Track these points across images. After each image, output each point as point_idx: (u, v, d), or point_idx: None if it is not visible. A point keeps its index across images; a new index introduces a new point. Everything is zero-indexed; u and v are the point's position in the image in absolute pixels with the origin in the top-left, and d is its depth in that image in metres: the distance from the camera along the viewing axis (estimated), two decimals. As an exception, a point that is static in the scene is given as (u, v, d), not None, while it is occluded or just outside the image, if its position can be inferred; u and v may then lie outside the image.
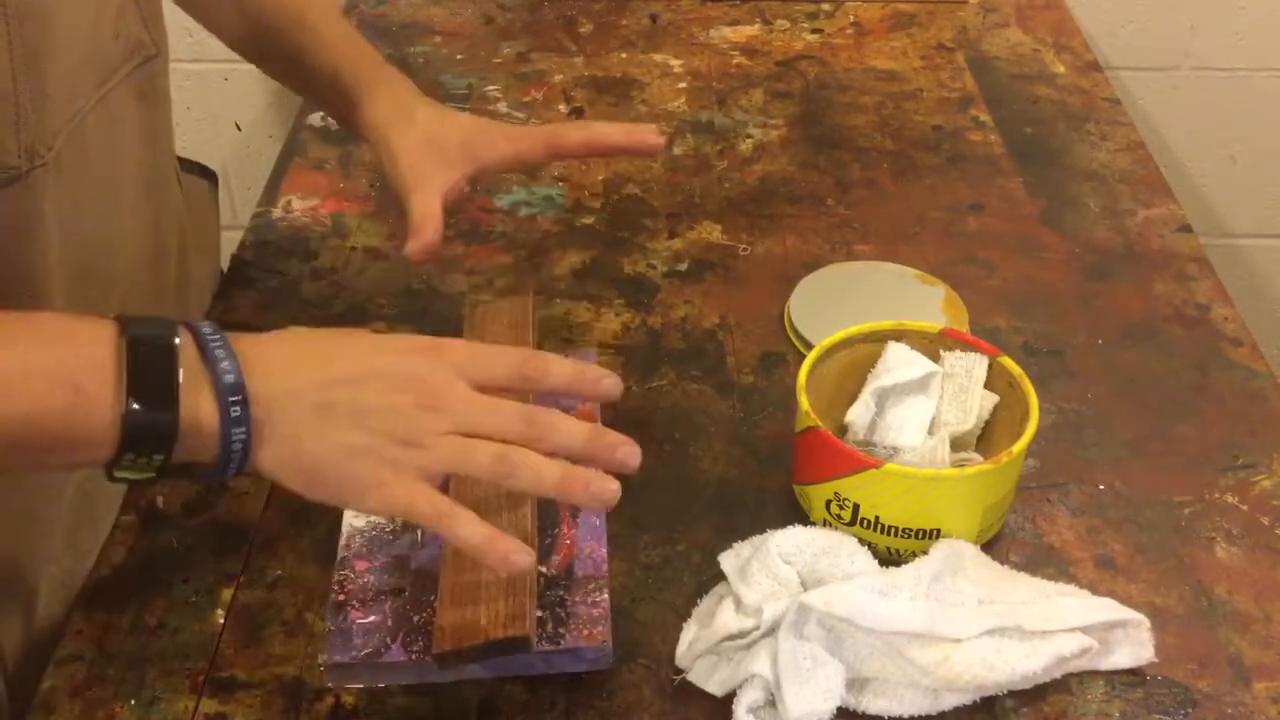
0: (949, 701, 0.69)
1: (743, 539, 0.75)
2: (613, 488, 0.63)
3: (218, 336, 0.60)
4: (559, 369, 0.65)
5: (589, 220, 1.09)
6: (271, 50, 0.93)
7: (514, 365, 0.65)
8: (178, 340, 0.59)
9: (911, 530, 0.74)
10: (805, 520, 0.78)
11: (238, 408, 0.59)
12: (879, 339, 0.82)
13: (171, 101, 0.90)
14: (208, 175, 1.04)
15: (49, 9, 0.69)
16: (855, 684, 0.69)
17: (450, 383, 0.63)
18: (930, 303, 0.96)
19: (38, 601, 0.78)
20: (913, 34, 1.38)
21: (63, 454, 0.59)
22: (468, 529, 0.61)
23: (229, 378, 0.59)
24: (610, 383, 0.67)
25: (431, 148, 0.86)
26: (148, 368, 0.58)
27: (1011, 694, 0.70)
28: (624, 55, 1.34)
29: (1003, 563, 0.76)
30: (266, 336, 0.64)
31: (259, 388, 0.60)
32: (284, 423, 0.60)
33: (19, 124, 0.68)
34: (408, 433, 0.61)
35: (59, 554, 0.79)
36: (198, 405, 0.58)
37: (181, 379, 0.58)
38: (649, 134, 0.88)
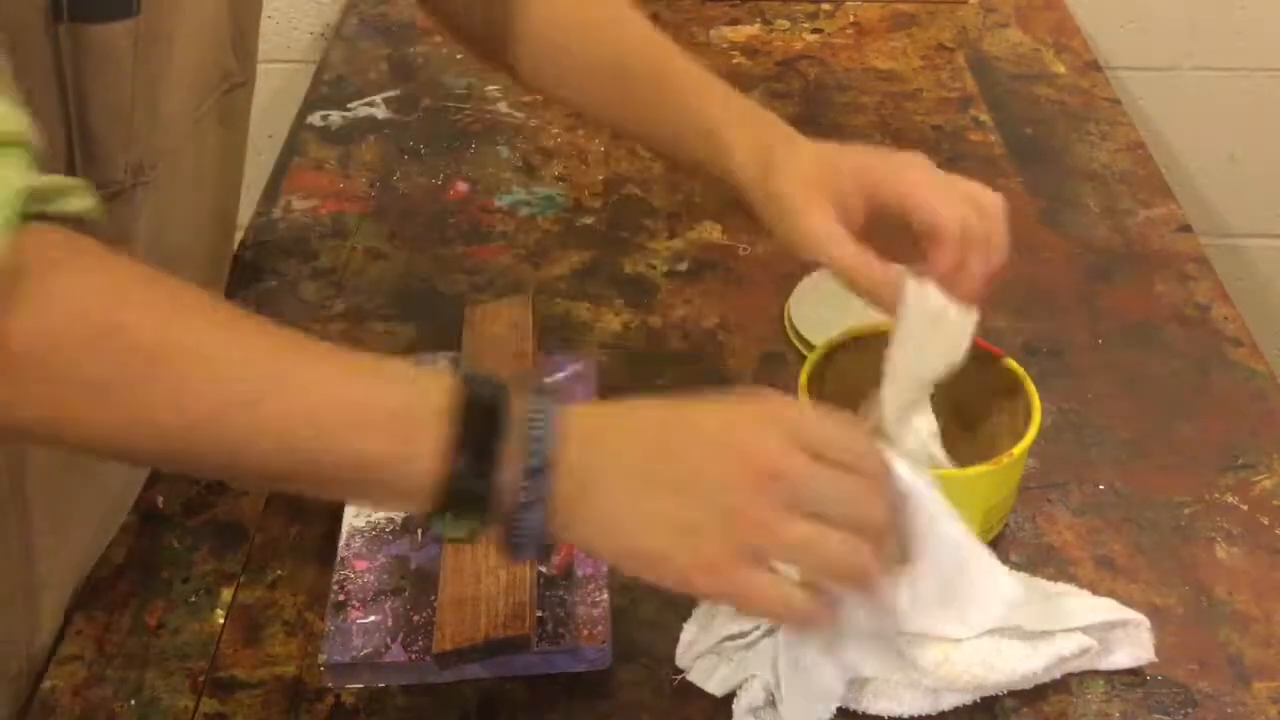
0: (949, 701, 0.69)
1: (743, 539, 0.75)
2: None
3: (541, 411, 0.56)
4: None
5: (589, 220, 1.09)
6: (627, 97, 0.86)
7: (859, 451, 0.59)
8: (509, 407, 0.56)
9: (911, 530, 0.74)
10: (805, 520, 0.78)
11: (535, 488, 0.55)
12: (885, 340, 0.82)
13: (249, 130, 0.90)
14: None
15: (174, 35, 0.70)
16: (855, 684, 0.69)
17: (786, 449, 0.56)
18: (930, 303, 0.95)
19: (42, 596, 0.78)
20: (913, 34, 1.38)
21: (382, 497, 0.61)
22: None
23: (535, 460, 0.55)
24: None
25: (821, 168, 0.74)
26: (477, 432, 0.55)
27: (1011, 694, 0.70)
28: (624, 55, 1.33)
29: (1003, 563, 0.76)
30: (593, 408, 0.62)
31: (575, 458, 0.56)
32: (599, 495, 0.56)
33: (130, 143, 0.70)
34: (744, 509, 0.55)
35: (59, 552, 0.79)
36: (512, 476, 0.55)
37: (502, 449, 0.55)
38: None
